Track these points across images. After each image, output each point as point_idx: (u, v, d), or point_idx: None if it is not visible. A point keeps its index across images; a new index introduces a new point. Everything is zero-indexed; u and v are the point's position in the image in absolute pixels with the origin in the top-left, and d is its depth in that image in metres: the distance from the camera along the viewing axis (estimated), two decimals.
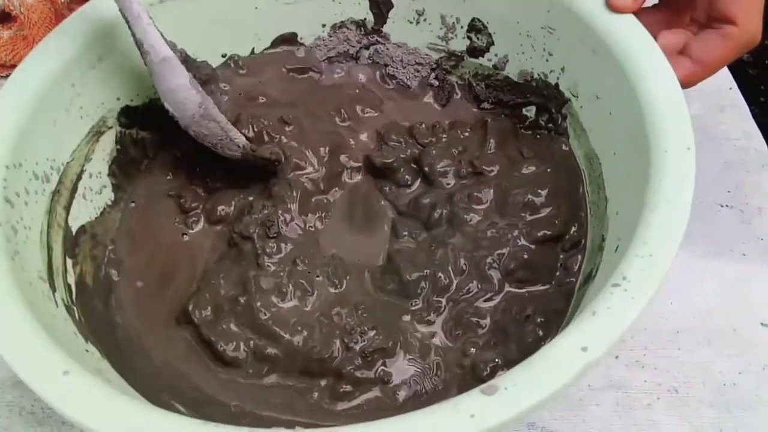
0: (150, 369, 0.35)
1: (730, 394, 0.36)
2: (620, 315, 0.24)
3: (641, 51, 0.33)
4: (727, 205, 0.42)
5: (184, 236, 0.40)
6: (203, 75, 0.40)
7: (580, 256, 0.36)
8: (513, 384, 0.23)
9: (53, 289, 0.32)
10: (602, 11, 0.35)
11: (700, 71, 0.35)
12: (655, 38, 0.34)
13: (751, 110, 0.48)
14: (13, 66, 0.50)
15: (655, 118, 0.30)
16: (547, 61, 0.39)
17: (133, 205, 0.41)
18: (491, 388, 0.23)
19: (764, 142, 0.46)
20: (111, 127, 0.39)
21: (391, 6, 0.43)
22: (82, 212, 0.38)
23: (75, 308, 0.33)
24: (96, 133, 0.38)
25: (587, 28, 0.35)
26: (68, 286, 0.34)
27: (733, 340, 0.38)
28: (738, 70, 0.37)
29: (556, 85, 0.39)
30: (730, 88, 0.48)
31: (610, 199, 0.34)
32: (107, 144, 0.39)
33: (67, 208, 0.37)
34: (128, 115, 0.40)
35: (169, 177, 0.42)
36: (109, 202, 0.40)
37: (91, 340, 0.32)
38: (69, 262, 0.35)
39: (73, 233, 0.37)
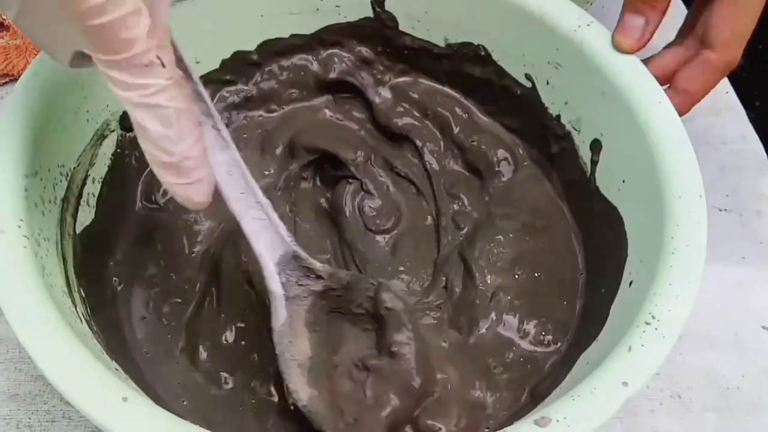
0: (159, 385, 0.36)
1: (733, 399, 0.39)
2: (653, 352, 0.28)
3: (650, 98, 0.36)
4: (725, 209, 0.45)
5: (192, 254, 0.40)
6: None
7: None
8: (564, 417, 0.26)
9: (74, 304, 0.33)
10: (611, 53, 0.38)
11: (688, 101, 0.39)
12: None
13: (746, 114, 0.50)
14: (6, 75, 0.49)
15: (667, 164, 0.34)
16: (549, 92, 0.42)
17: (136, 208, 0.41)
18: (544, 420, 0.26)
19: (761, 145, 0.49)
20: (113, 131, 0.39)
21: (396, 23, 0.44)
22: (87, 219, 0.38)
23: (92, 323, 0.33)
24: (100, 137, 0.39)
25: (596, 70, 0.38)
26: (82, 298, 0.34)
27: (735, 345, 0.41)
28: (733, 74, 0.39)
29: (558, 116, 0.41)
30: (726, 92, 0.51)
31: None
32: (109, 148, 0.39)
33: (75, 216, 0.37)
34: (129, 118, 0.40)
35: None
36: (110, 207, 0.39)
37: (113, 357, 0.32)
38: (79, 272, 0.35)
39: (80, 241, 0.36)
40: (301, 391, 0.32)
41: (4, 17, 0.48)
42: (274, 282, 0.33)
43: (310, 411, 0.32)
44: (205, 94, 0.30)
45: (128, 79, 0.25)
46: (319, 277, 0.34)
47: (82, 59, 0.26)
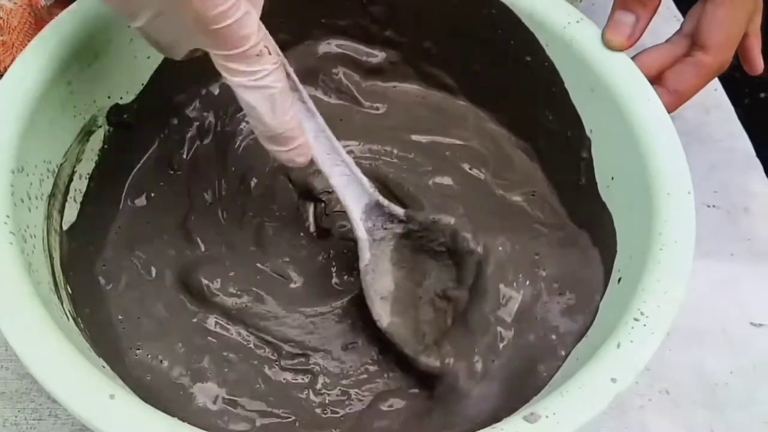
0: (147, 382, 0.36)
1: (721, 394, 0.40)
2: (642, 348, 0.28)
3: (640, 96, 0.36)
4: (714, 206, 0.45)
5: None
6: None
7: None
8: (553, 413, 0.26)
9: (60, 300, 0.32)
10: (601, 50, 0.38)
11: (677, 100, 0.39)
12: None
13: (735, 112, 0.51)
14: None
15: (656, 161, 0.34)
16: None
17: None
18: (533, 416, 0.26)
19: (750, 142, 0.49)
20: (100, 126, 0.39)
21: None
22: (73, 216, 0.37)
23: (78, 320, 0.33)
24: (87, 133, 0.38)
25: (586, 67, 0.38)
26: (69, 295, 0.34)
27: (723, 340, 0.41)
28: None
29: (547, 112, 0.41)
30: (716, 90, 0.52)
31: None
32: (96, 144, 0.39)
33: (61, 212, 0.37)
34: (117, 114, 0.40)
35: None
36: (97, 204, 0.39)
37: (100, 354, 0.32)
38: (65, 269, 0.35)
39: (67, 238, 0.36)
40: (383, 318, 0.37)
41: None
42: (359, 229, 0.38)
43: (391, 333, 0.37)
44: (291, 71, 0.34)
45: (243, 68, 0.30)
46: (400, 220, 0.38)
47: (194, 52, 0.31)
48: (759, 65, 0.42)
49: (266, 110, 0.31)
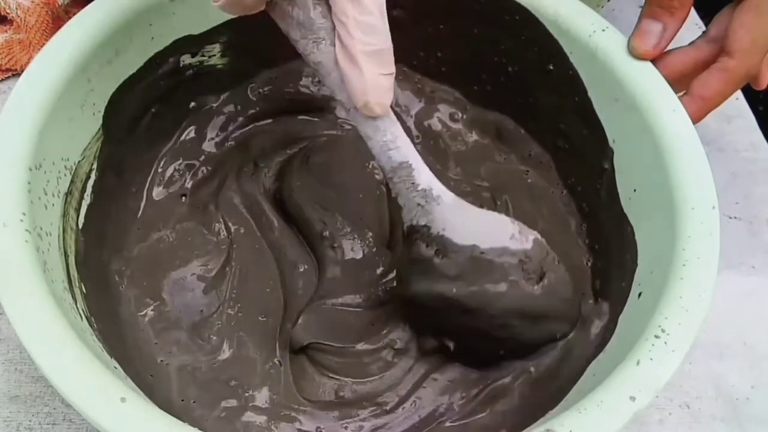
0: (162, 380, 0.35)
1: (742, 409, 0.39)
2: (662, 366, 0.28)
3: (665, 106, 0.36)
4: (735, 217, 0.45)
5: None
6: None
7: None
8: (569, 429, 0.26)
9: (74, 299, 0.32)
10: (626, 60, 0.37)
11: (704, 107, 0.38)
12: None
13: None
14: (9, 70, 0.48)
15: (680, 174, 0.33)
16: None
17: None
18: None
19: None
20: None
21: None
22: (90, 213, 0.37)
23: (92, 319, 0.33)
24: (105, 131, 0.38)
25: (611, 76, 0.37)
26: (83, 294, 0.34)
27: (744, 354, 0.41)
28: None
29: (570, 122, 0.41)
30: (737, 98, 0.51)
31: None
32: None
33: (78, 210, 0.36)
34: None
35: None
36: (114, 202, 0.39)
37: (113, 355, 0.32)
38: (80, 267, 0.35)
39: (82, 236, 0.36)
40: None
41: (8, 11, 0.48)
42: None
43: None
44: None
45: None
46: None
47: None
48: (764, 80, 0.41)
49: (378, 20, 0.30)
